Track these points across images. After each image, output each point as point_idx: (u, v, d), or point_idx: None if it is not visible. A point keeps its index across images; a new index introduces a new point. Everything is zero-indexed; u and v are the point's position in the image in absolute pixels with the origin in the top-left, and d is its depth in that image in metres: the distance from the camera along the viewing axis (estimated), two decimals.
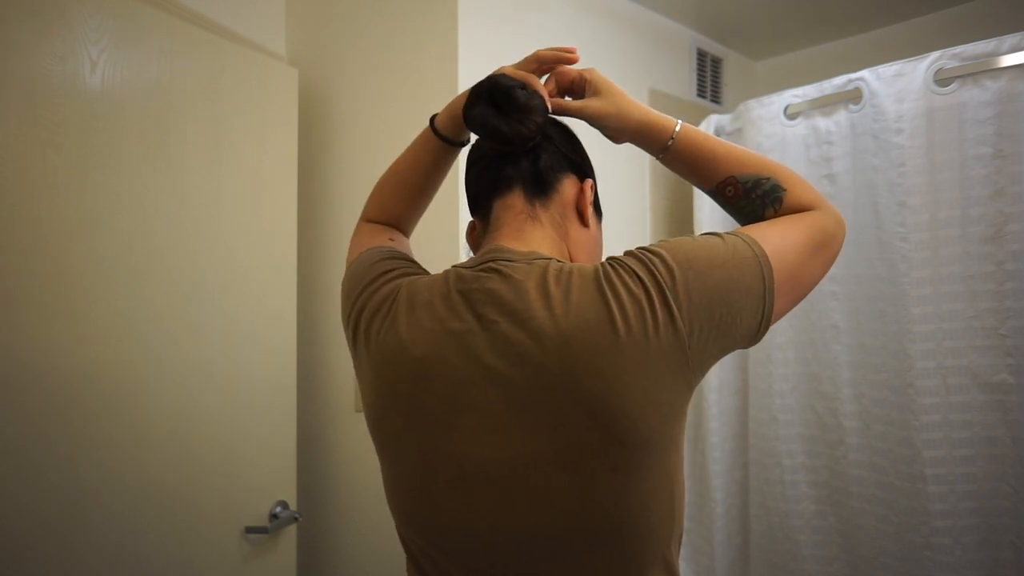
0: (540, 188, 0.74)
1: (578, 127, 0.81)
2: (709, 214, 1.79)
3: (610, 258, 0.67)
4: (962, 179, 1.36)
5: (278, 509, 1.46)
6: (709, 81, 2.16)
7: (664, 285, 0.62)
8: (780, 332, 1.64)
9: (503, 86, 0.73)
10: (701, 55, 2.12)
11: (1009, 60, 1.31)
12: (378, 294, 0.74)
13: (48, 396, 1.07)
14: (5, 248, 1.03)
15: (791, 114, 1.64)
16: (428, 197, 0.92)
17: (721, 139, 0.78)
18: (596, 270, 0.65)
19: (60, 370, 1.09)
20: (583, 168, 0.79)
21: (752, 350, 1.71)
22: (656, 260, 0.64)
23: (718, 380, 1.77)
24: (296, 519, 1.47)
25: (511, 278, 0.66)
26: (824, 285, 1.57)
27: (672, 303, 0.62)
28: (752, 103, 1.70)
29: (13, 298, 1.04)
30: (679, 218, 1.95)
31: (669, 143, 0.75)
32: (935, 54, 1.40)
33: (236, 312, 1.38)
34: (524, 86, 0.74)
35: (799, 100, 1.62)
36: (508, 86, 0.73)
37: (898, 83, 1.44)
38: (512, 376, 0.63)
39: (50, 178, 1.08)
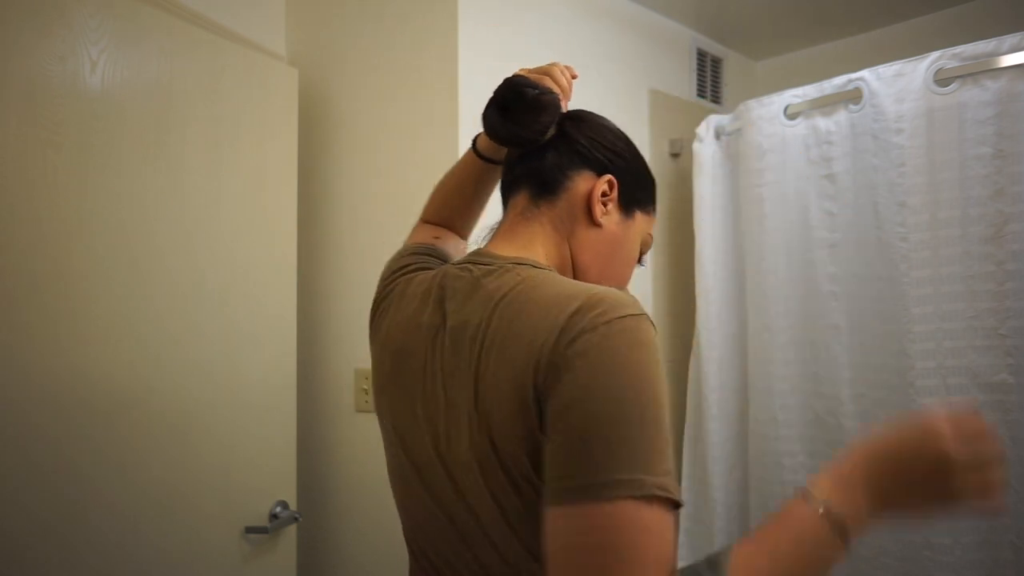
0: (545, 187, 0.74)
1: None
2: (709, 214, 1.79)
3: (589, 308, 0.58)
4: (962, 179, 1.36)
5: (278, 509, 1.46)
6: (709, 81, 2.16)
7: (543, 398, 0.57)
8: (780, 332, 1.64)
9: (513, 85, 0.74)
10: (701, 55, 2.12)
11: (1009, 60, 1.31)
12: (388, 288, 0.81)
13: (48, 396, 1.07)
14: (5, 248, 1.03)
15: (791, 114, 1.64)
16: (478, 204, 0.94)
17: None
18: (553, 321, 0.58)
19: (60, 370, 1.09)
20: (603, 163, 0.74)
21: (752, 350, 1.71)
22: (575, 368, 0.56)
23: (718, 380, 1.77)
24: (296, 519, 1.47)
25: (474, 279, 0.68)
26: (824, 285, 1.58)
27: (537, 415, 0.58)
28: (752, 103, 1.70)
29: (13, 298, 1.04)
30: (677, 218, 1.95)
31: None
32: (935, 54, 1.40)
33: (236, 312, 1.38)
34: (535, 85, 0.73)
35: (799, 100, 1.62)
36: (518, 84, 0.73)
37: (898, 83, 1.44)
38: (454, 373, 0.66)
39: (50, 178, 1.08)
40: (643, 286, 1.85)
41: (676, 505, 0.54)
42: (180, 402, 1.27)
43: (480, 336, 0.63)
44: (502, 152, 0.83)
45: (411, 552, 0.77)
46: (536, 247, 0.72)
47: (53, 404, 1.08)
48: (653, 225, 0.82)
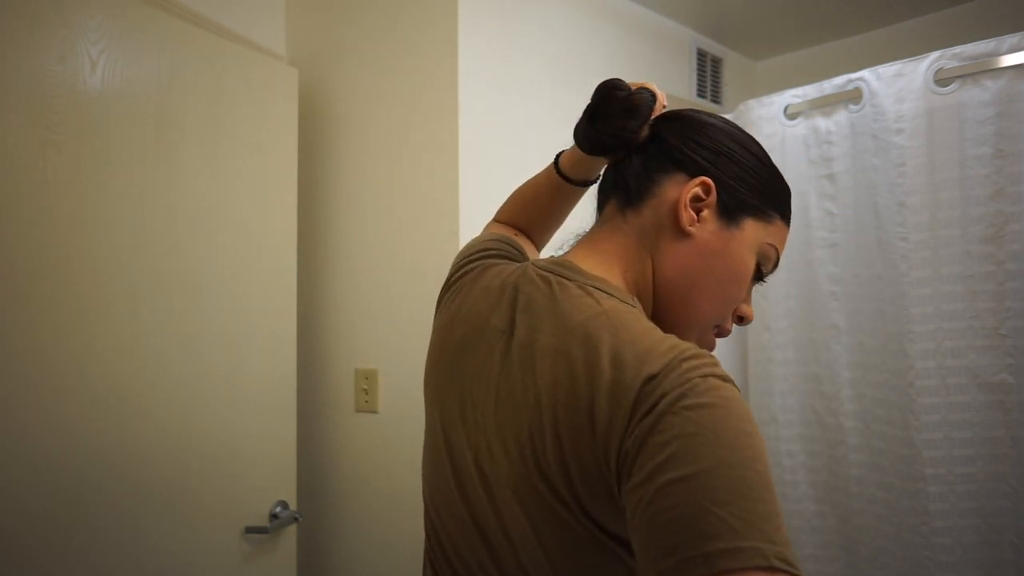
0: (630, 195, 0.67)
1: None
2: None
3: (685, 363, 0.52)
4: (962, 179, 1.36)
5: (278, 509, 1.46)
6: (709, 81, 2.16)
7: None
8: (780, 332, 1.64)
9: (602, 88, 0.68)
10: (701, 55, 2.12)
11: (1009, 60, 1.31)
12: (465, 267, 0.76)
13: (47, 396, 1.07)
14: (5, 248, 1.03)
15: (791, 114, 1.64)
16: (554, 220, 0.89)
17: None
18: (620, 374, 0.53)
19: (59, 370, 1.09)
20: (700, 164, 0.65)
21: (752, 350, 1.71)
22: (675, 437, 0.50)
23: None
24: (296, 519, 1.47)
25: (551, 292, 0.63)
26: (824, 285, 1.58)
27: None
28: (752, 103, 1.70)
29: (13, 298, 1.04)
30: None
31: None
32: (935, 54, 1.40)
33: (236, 312, 1.38)
34: (625, 87, 0.68)
35: (799, 100, 1.62)
36: (607, 87, 0.68)
37: (898, 83, 1.44)
38: (510, 390, 0.62)
39: (50, 178, 1.08)
40: None
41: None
42: (180, 402, 1.27)
43: (546, 366, 0.58)
44: (583, 172, 0.79)
45: (429, 559, 0.74)
46: (616, 263, 0.66)
47: (52, 403, 1.08)
48: (781, 236, 0.70)
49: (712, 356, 0.55)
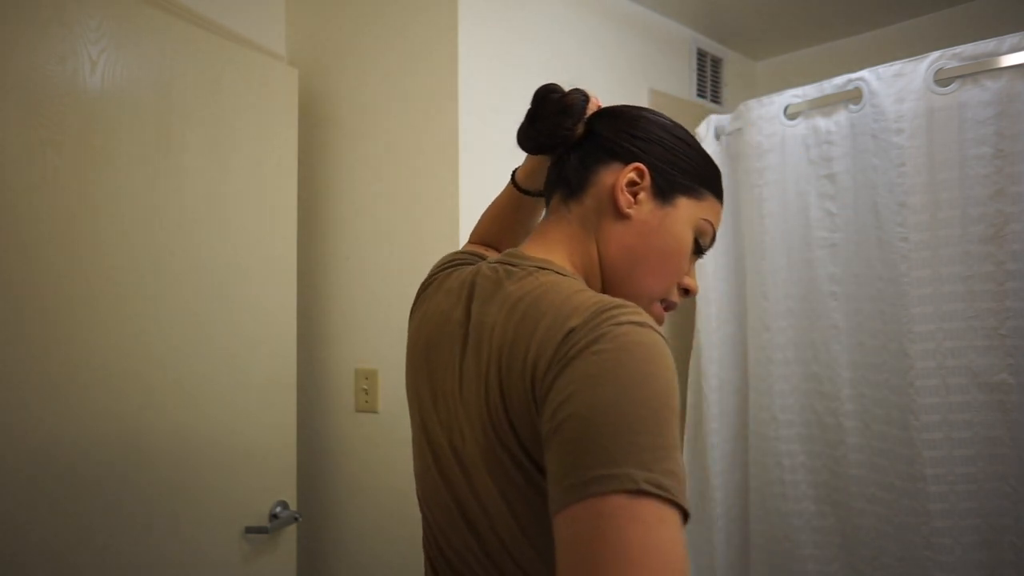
0: (571, 187, 0.73)
1: None
2: None
3: (601, 315, 0.57)
4: (962, 179, 1.36)
5: (278, 509, 1.46)
6: (709, 81, 2.16)
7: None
8: (780, 332, 1.64)
9: (538, 92, 0.75)
10: (701, 55, 2.12)
11: (1009, 60, 1.31)
12: (433, 277, 0.83)
13: (47, 396, 1.07)
14: (5, 248, 1.03)
15: (791, 114, 1.64)
16: (522, 231, 0.94)
17: None
18: (560, 321, 0.58)
19: (58, 370, 1.09)
20: (633, 153, 0.71)
21: (752, 350, 1.71)
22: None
23: (718, 380, 1.77)
24: (296, 519, 1.47)
25: (498, 280, 0.69)
26: (824, 285, 1.58)
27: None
28: (752, 103, 1.70)
29: (13, 298, 1.04)
30: None
31: None
32: (935, 54, 1.40)
33: (236, 312, 1.38)
34: (559, 89, 0.74)
35: (799, 100, 1.62)
36: (543, 90, 0.75)
37: (898, 83, 1.44)
38: (469, 372, 0.67)
39: (50, 178, 1.08)
40: None
41: (681, 510, 0.50)
42: (180, 402, 1.27)
43: (492, 338, 0.64)
44: (538, 182, 0.83)
45: (428, 557, 0.76)
46: (562, 248, 0.72)
47: (53, 403, 1.08)
48: (715, 212, 0.75)
49: (635, 307, 0.59)
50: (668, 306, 0.75)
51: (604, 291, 0.72)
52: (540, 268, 0.68)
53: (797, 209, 1.62)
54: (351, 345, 1.61)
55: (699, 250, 0.75)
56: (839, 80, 1.54)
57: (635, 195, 0.71)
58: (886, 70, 1.46)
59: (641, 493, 0.48)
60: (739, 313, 1.79)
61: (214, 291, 1.34)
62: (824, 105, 1.58)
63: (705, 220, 0.73)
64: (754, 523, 1.70)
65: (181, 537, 1.26)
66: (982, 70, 1.34)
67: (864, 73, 1.49)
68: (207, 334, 1.33)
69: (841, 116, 1.55)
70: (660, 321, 0.72)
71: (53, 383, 1.08)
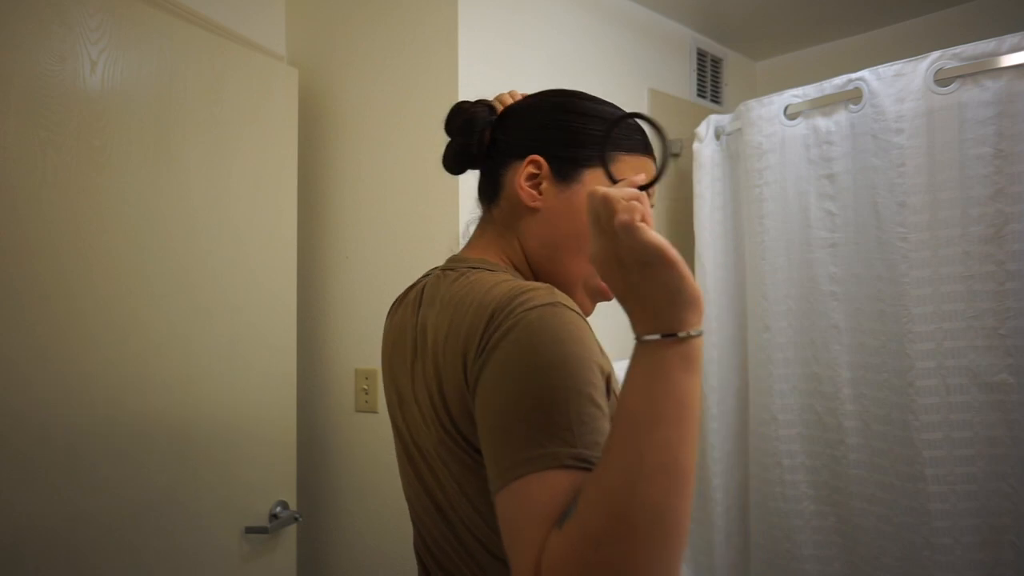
0: (489, 194, 0.78)
1: None
2: (709, 214, 1.79)
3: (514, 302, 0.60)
4: (962, 179, 1.36)
5: (278, 509, 1.46)
6: (709, 81, 2.16)
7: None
8: (780, 332, 1.64)
9: (448, 115, 0.80)
10: (701, 55, 2.12)
11: (1009, 60, 1.31)
12: (402, 294, 0.86)
13: (48, 396, 1.07)
14: (5, 248, 1.03)
15: (791, 114, 1.64)
16: None
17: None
18: (485, 310, 0.62)
19: (60, 370, 1.09)
20: (527, 146, 0.73)
21: (752, 350, 1.71)
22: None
23: (718, 380, 1.77)
24: (296, 519, 1.47)
25: (438, 284, 0.73)
26: (824, 285, 1.58)
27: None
28: (752, 103, 1.70)
29: (13, 298, 1.04)
30: (677, 218, 1.95)
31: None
32: (935, 54, 1.40)
33: (236, 312, 1.38)
34: (461, 109, 0.79)
35: (799, 100, 1.62)
36: (449, 112, 0.79)
37: (898, 83, 1.44)
38: (418, 372, 0.71)
39: (50, 178, 1.08)
40: None
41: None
42: (180, 402, 1.27)
43: (433, 338, 0.68)
44: None
45: (417, 554, 0.79)
46: (494, 248, 0.76)
47: (53, 404, 1.08)
48: (635, 166, 0.73)
49: (546, 288, 0.62)
50: (600, 290, 0.74)
51: (539, 273, 0.75)
52: (473, 268, 0.71)
53: (797, 209, 1.62)
54: (351, 345, 1.61)
55: None
56: (839, 80, 1.54)
57: (538, 187, 0.72)
58: (886, 70, 1.46)
59: (566, 467, 0.52)
60: (739, 313, 1.79)
61: (214, 291, 1.34)
62: (824, 105, 1.58)
63: (620, 182, 0.69)
64: (754, 523, 1.70)
65: (181, 537, 1.26)
66: (982, 70, 1.34)
67: (864, 73, 1.49)
68: (207, 334, 1.33)
69: (841, 116, 1.55)
70: (588, 313, 0.74)
71: (52, 384, 1.08)
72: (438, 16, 1.47)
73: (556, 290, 0.63)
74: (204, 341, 1.32)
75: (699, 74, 2.12)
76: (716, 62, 2.19)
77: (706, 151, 1.81)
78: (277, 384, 1.48)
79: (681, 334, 0.53)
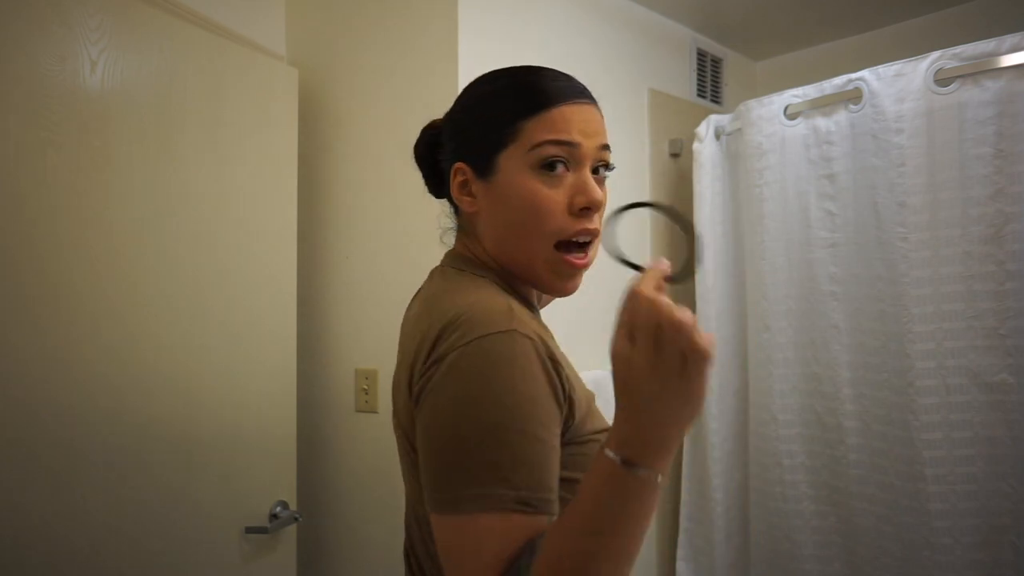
0: (451, 204, 0.79)
1: None
2: (709, 214, 1.79)
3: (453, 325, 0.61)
4: (962, 179, 1.36)
5: (278, 509, 1.46)
6: (709, 81, 2.16)
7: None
8: (780, 332, 1.64)
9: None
10: (701, 55, 2.12)
11: (1009, 60, 1.31)
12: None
13: (48, 396, 1.07)
14: (5, 248, 1.03)
15: (791, 114, 1.64)
16: None
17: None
18: (437, 323, 0.63)
19: (60, 370, 1.09)
20: (456, 155, 0.74)
21: (752, 350, 1.71)
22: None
23: (718, 380, 1.77)
24: (296, 519, 1.47)
25: (428, 284, 0.76)
26: (824, 285, 1.58)
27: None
28: (752, 103, 1.70)
29: (13, 298, 1.04)
30: None
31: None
32: (935, 54, 1.40)
33: (236, 312, 1.38)
34: (417, 142, 0.84)
35: (799, 100, 1.62)
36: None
37: (898, 83, 1.44)
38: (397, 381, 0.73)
39: (50, 178, 1.08)
40: None
41: (538, 510, 0.56)
42: (179, 402, 1.27)
43: (404, 339, 0.71)
44: None
45: (404, 553, 0.79)
46: (465, 252, 0.77)
47: (53, 404, 1.08)
48: (547, 124, 0.68)
49: (505, 310, 0.61)
50: (578, 234, 0.69)
51: (508, 271, 0.73)
52: (447, 266, 0.75)
53: (797, 209, 1.62)
54: (351, 345, 1.61)
55: (555, 163, 0.67)
56: (839, 80, 1.54)
57: (470, 192, 0.73)
58: (886, 70, 1.46)
59: (511, 511, 0.55)
60: (739, 313, 1.79)
61: (214, 291, 1.34)
62: (824, 105, 1.58)
63: (535, 148, 0.67)
64: (754, 523, 1.70)
65: (181, 537, 1.26)
66: (982, 70, 1.34)
67: (864, 73, 1.49)
68: (207, 333, 1.32)
69: (841, 116, 1.55)
70: (581, 266, 0.70)
71: (49, 383, 1.08)
72: (438, 16, 1.47)
73: (515, 311, 0.62)
74: (204, 341, 1.32)
75: (699, 74, 2.12)
76: (716, 62, 2.19)
77: (706, 151, 1.81)
78: (277, 384, 1.48)
79: (655, 476, 0.52)
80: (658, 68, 1.98)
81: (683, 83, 2.07)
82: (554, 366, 0.61)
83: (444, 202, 0.82)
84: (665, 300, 0.51)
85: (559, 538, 0.53)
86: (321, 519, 1.64)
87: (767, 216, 1.66)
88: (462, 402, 0.58)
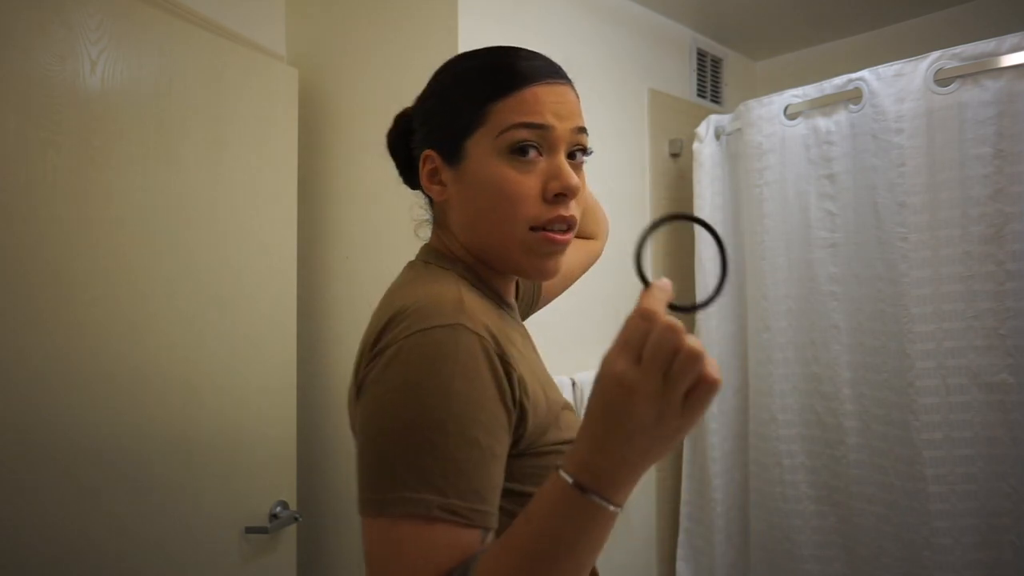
0: (428, 200, 0.77)
1: None
2: (709, 214, 1.79)
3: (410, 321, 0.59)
4: (962, 179, 1.36)
5: (278, 509, 1.46)
6: (709, 81, 2.16)
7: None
8: (780, 332, 1.64)
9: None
10: (701, 55, 2.12)
11: (1009, 60, 1.31)
12: None
13: (47, 396, 1.07)
14: (5, 248, 1.03)
15: (791, 114, 1.64)
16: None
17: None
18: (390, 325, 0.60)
19: (59, 371, 1.09)
20: (424, 142, 0.72)
21: (752, 350, 1.71)
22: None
23: None
24: (296, 519, 1.47)
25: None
26: (824, 285, 1.58)
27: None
28: (752, 103, 1.70)
29: (12, 298, 1.04)
30: None
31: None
32: (935, 54, 1.40)
33: (236, 312, 1.38)
34: (388, 135, 0.81)
35: (799, 100, 1.62)
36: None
37: (898, 83, 1.44)
38: None
39: (50, 178, 1.08)
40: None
41: (469, 522, 0.53)
42: (180, 402, 1.27)
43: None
44: None
45: None
46: (442, 242, 0.75)
47: (53, 404, 1.08)
48: (516, 106, 0.65)
49: (455, 302, 0.60)
50: (554, 220, 0.66)
51: (483, 258, 0.71)
52: (418, 260, 0.74)
53: (797, 209, 1.62)
54: (352, 345, 1.61)
55: (527, 148, 0.64)
56: (839, 80, 1.54)
57: (440, 180, 0.70)
58: (886, 70, 1.46)
59: (436, 520, 0.52)
60: (739, 313, 1.79)
61: (214, 291, 1.34)
62: (824, 105, 1.58)
63: (505, 132, 0.64)
64: (754, 523, 1.70)
65: (181, 537, 1.26)
66: (982, 70, 1.34)
67: (864, 73, 1.49)
68: (207, 334, 1.32)
69: (841, 116, 1.55)
70: (562, 242, 0.67)
71: (50, 384, 1.08)
72: (438, 16, 1.47)
73: (466, 304, 0.59)
74: (204, 341, 1.32)
75: (699, 74, 2.12)
76: (716, 62, 2.19)
77: (706, 151, 1.81)
78: (277, 384, 1.48)
79: (612, 508, 0.48)
80: (658, 68, 1.98)
81: (683, 83, 2.07)
82: (504, 366, 0.58)
83: (419, 193, 0.79)
84: (682, 326, 0.46)
85: (498, 557, 0.50)
86: (321, 519, 1.64)
87: (767, 216, 1.66)
88: (394, 397, 0.55)
